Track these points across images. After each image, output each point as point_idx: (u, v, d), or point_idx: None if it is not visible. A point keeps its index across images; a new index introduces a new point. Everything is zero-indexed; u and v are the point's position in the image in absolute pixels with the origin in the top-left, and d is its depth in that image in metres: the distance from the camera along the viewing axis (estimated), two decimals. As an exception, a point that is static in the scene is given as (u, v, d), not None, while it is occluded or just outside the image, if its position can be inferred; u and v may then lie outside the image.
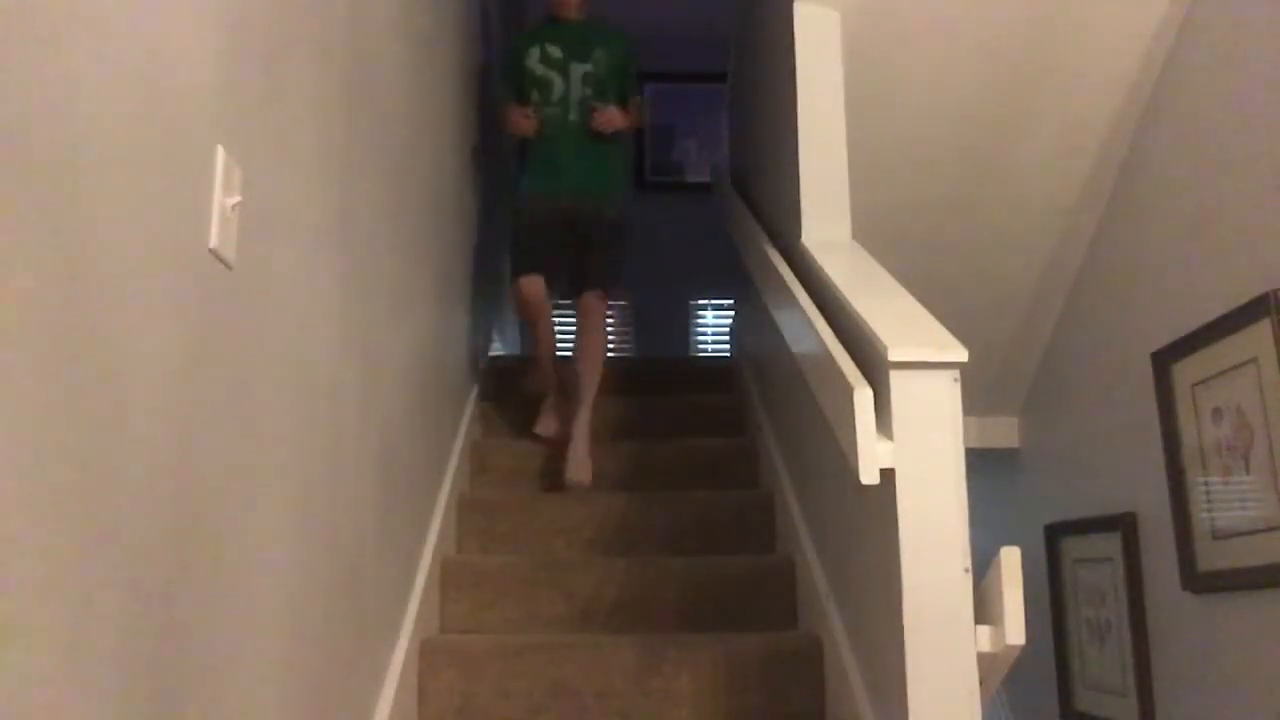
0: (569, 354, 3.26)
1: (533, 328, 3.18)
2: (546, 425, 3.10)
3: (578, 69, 3.15)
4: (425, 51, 2.35)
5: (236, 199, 1.07)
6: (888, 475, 1.56)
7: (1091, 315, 2.89)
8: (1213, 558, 2.27)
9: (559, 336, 3.35)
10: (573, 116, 3.13)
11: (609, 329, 3.29)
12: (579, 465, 2.85)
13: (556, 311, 3.29)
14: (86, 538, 0.79)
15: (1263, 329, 2.08)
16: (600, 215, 3.12)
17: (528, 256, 3.09)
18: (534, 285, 3.04)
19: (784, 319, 2.33)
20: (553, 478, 2.92)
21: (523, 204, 3.18)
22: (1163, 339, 2.46)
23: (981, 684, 1.50)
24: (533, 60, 3.16)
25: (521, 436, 3.15)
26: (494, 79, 3.62)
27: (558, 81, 3.15)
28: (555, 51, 3.16)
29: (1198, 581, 2.32)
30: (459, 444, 2.79)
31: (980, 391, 3.20)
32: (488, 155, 3.50)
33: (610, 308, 3.14)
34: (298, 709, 1.34)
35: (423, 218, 2.27)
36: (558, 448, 2.96)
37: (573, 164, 3.13)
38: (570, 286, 3.14)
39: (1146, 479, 2.54)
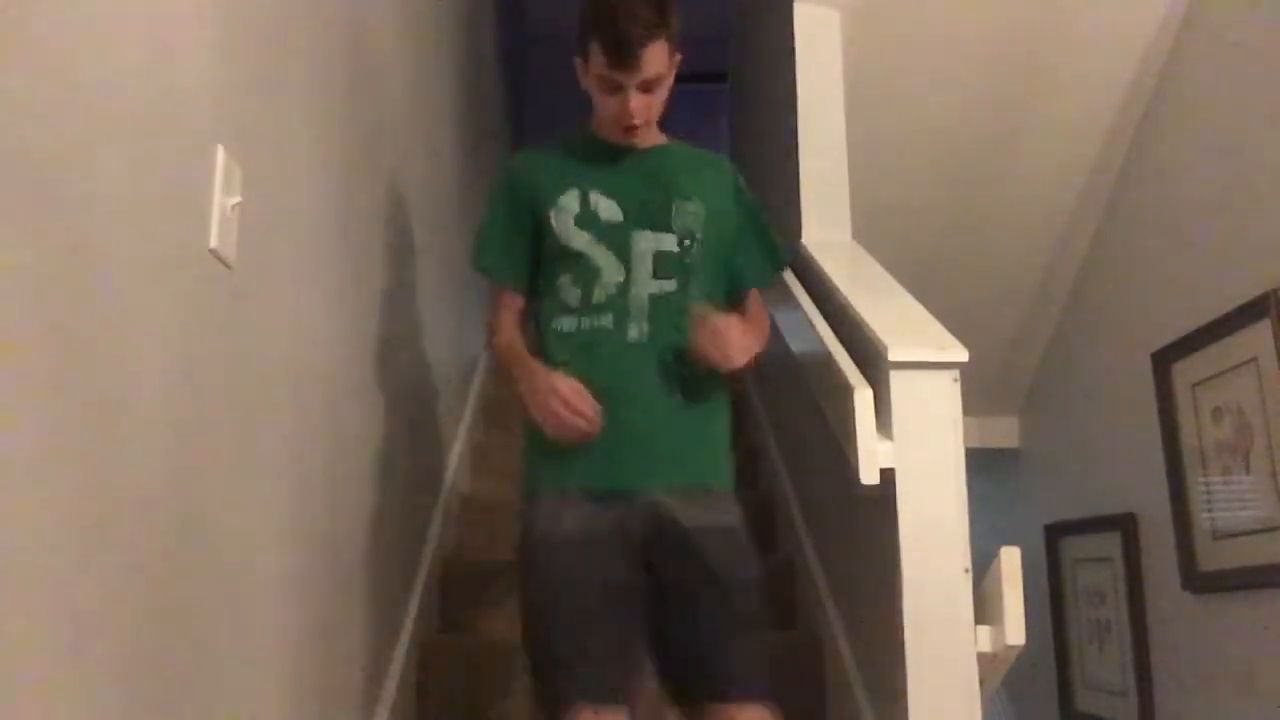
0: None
1: None
2: None
3: (647, 242, 1.61)
4: (426, 51, 2.35)
5: (236, 199, 1.07)
6: (888, 475, 1.56)
7: (1091, 315, 2.89)
8: (1213, 558, 2.27)
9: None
10: (635, 333, 1.58)
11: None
12: None
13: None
14: (86, 537, 0.79)
15: (1263, 329, 2.08)
16: (710, 536, 1.53)
17: (572, 657, 1.43)
18: None
19: (784, 319, 2.33)
20: None
21: (540, 517, 1.54)
22: (1163, 339, 2.46)
23: (981, 684, 1.50)
24: (564, 218, 1.61)
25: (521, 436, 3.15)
26: (491, 72, 3.61)
27: (610, 265, 1.60)
28: (609, 209, 1.61)
29: (1198, 581, 2.32)
30: (459, 443, 2.79)
31: (980, 391, 3.19)
32: (486, 148, 3.50)
33: None
34: (298, 709, 1.34)
35: (422, 216, 2.27)
36: None
37: (643, 432, 1.56)
38: (688, 690, 1.48)
39: (1146, 479, 2.54)
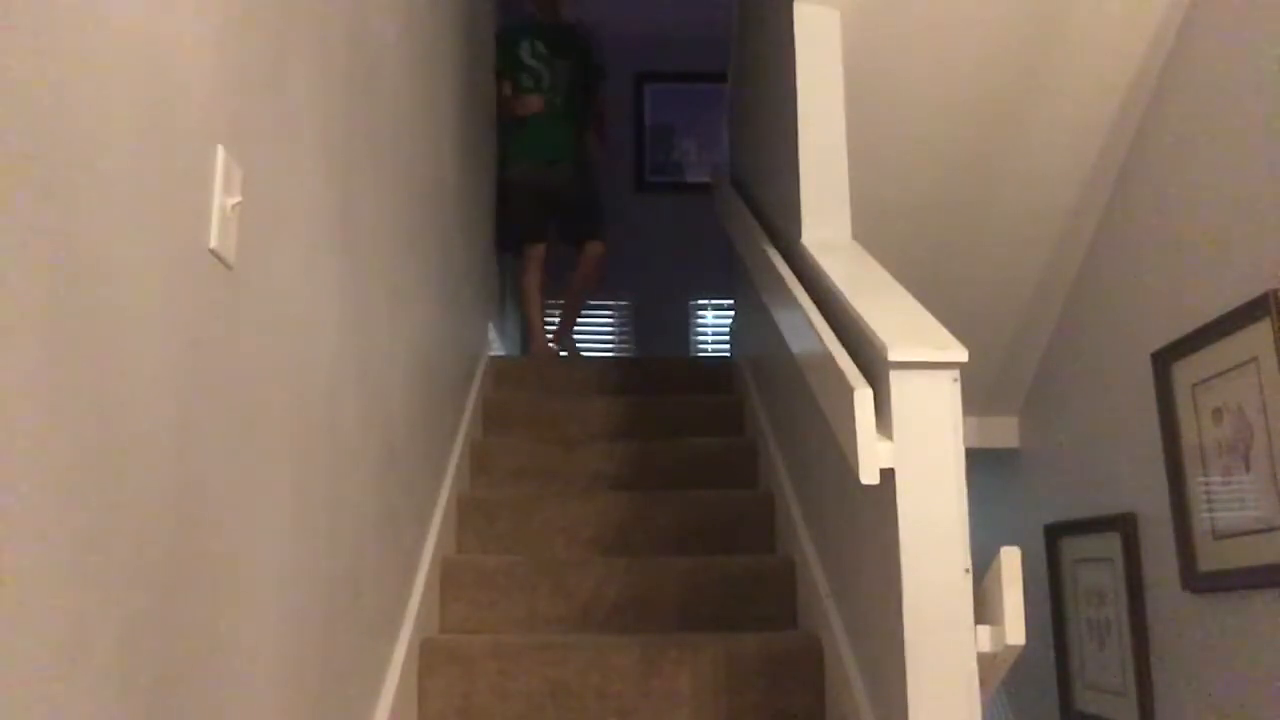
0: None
1: (531, 276, 3.98)
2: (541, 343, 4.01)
3: (561, 63, 3.94)
4: (426, 50, 2.35)
5: (236, 199, 1.07)
6: (888, 475, 1.56)
7: (1091, 315, 2.89)
8: (1213, 558, 2.27)
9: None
10: (559, 100, 3.90)
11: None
12: (563, 338, 4.06)
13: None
14: (86, 538, 0.79)
15: (1263, 329, 2.08)
16: (574, 178, 3.93)
17: (528, 228, 3.89)
18: (538, 251, 3.95)
19: (784, 319, 2.33)
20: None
21: (509, 172, 3.85)
22: (1163, 339, 2.46)
23: (981, 684, 1.50)
24: (525, 54, 3.89)
25: (522, 438, 3.15)
26: (488, 70, 3.64)
27: (545, 72, 3.91)
28: (542, 48, 3.91)
29: (1198, 581, 2.32)
30: (459, 444, 2.79)
31: (980, 391, 3.20)
32: (486, 147, 3.51)
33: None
34: (297, 708, 1.34)
35: (423, 217, 2.27)
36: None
37: (555, 138, 3.90)
38: (569, 239, 4.01)
39: (1146, 479, 2.54)
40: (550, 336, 4.08)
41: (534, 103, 3.83)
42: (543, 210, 3.87)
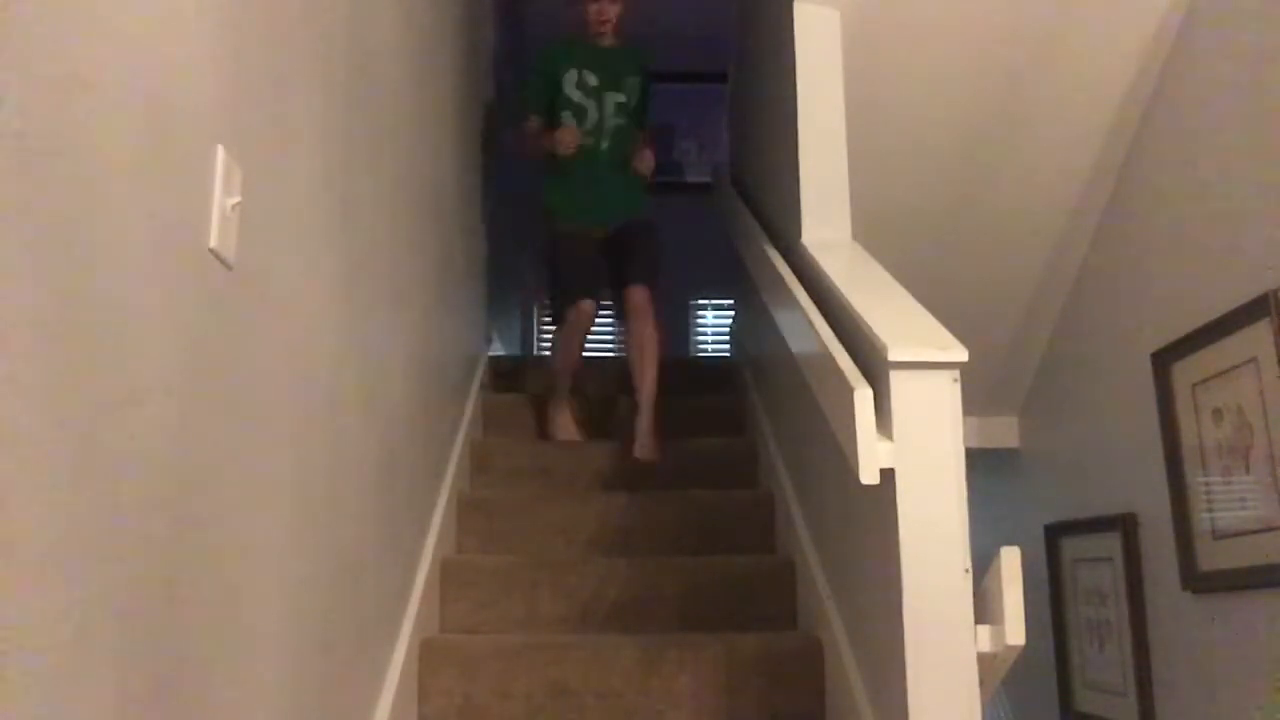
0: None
1: (570, 342, 3.16)
2: (567, 429, 3.17)
3: (612, 98, 3.24)
4: (427, 52, 2.35)
5: (236, 199, 1.07)
6: (888, 475, 1.56)
7: (1091, 315, 2.89)
8: (1213, 558, 2.27)
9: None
10: (605, 145, 3.23)
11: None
12: (646, 446, 2.98)
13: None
14: (86, 538, 0.79)
15: (1263, 329, 2.08)
16: (636, 233, 3.23)
17: (579, 279, 3.13)
18: (589, 307, 3.11)
19: (784, 319, 2.33)
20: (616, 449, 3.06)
21: (558, 226, 3.23)
22: (1163, 339, 2.46)
23: (981, 684, 1.50)
24: (570, 85, 3.22)
25: (522, 438, 3.15)
26: (490, 77, 3.63)
27: (592, 109, 3.23)
28: (591, 78, 3.23)
29: (1198, 581, 2.33)
30: (459, 444, 2.79)
31: (980, 391, 3.20)
32: (486, 154, 3.51)
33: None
34: (297, 708, 1.34)
35: (423, 217, 2.27)
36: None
37: (608, 194, 3.24)
38: (616, 285, 3.20)
39: (1146, 479, 2.54)
40: (569, 417, 3.20)
41: (569, 141, 3.09)
42: (594, 254, 3.18)
